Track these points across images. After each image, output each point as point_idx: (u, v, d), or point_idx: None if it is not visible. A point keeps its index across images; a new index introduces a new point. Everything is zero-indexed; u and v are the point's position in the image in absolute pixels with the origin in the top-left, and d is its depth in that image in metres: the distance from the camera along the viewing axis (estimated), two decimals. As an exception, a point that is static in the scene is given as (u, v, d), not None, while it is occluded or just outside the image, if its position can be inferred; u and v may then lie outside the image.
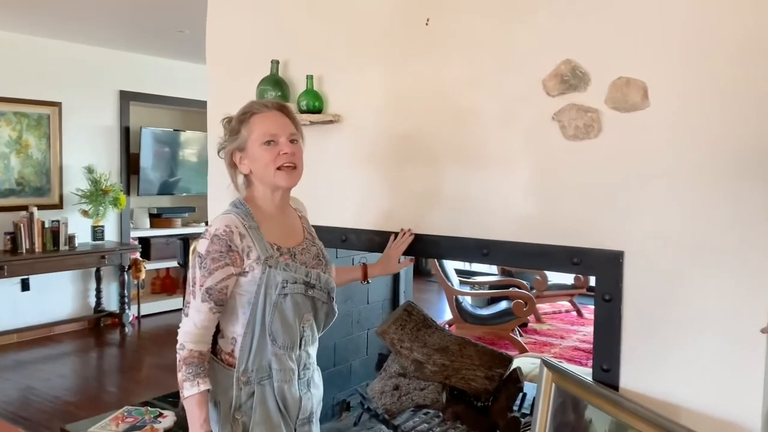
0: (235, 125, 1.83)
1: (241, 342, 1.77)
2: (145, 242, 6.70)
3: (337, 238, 2.42)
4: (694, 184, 1.76)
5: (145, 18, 4.95)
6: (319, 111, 2.44)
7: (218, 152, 1.90)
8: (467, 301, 5.63)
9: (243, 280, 1.76)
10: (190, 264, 1.78)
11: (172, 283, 7.19)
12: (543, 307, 6.87)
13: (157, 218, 6.92)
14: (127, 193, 6.35)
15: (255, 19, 2.69)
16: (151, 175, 6.66)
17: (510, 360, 2.65)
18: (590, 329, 6.37)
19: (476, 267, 7.96)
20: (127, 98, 6.33)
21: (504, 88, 2.05)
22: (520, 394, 2.72)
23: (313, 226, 2.41)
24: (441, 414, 2.76)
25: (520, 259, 2.07)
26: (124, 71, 6.32)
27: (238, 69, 2.72)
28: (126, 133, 6.37)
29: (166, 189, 6.87)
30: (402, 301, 3.38)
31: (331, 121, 2.40)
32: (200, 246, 1.75)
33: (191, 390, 1.70)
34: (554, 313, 7.00)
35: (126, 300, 6.15)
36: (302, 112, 2.44)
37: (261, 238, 1.77)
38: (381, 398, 2.70)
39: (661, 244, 1.81)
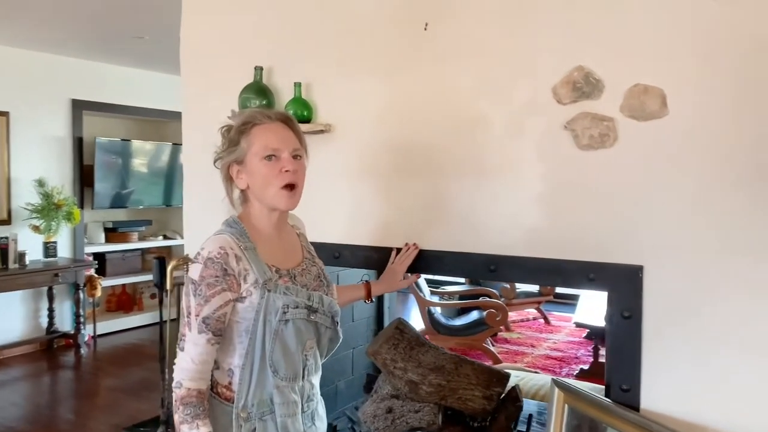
0: (234, 136, 1.67)
1: (240, 375, 1.62)
2: (99, 258, 6.39)
3: (330, 254, 2.29)
4: (716, 194, 1.70)
5: (101, 24, 4.70)
6: (308, 120, 2.30)
7: (214, 162, 1.74)
8: (438, 312, 5.55)
9: (240, 306, 1.60)
10: (184, 292, 1.61)
11: (129, 300, 6.88)
12: (510, 315, 6.84)
13: (112, 232, 6.61)
14: (81, 206, 6.03)
15: (234, 25, 2.53)
16: (105, 188, 6.36)
17: (508, 378, 2.56)
18: (559, 337, 6.39)
19: (439, 276, 7.89)
20: (79, 107, 6.02)
21: (511, 95, 1.96)
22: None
23: (304, 242, 2.27)
24: (436, 436, 2.64)
25: (531, 275, 1.97)
26: (77, 79, 6.02)
27: (217, 77, 2.56)
28: (79, 144, 6.07)
29: (118, 202, 6.56)
30: (386, 317, 3.25)
31: (322, 131, 2.27)
32: (193, 271, 1.59)
33: None
34: (522, 321, 6.99)
35: (81, 319, 5.83)
36: (290, 121, 2.30)
37: (258, 259, 1.62)
38: (374, 422, 2.57)
39: (682, 257, 1.74)
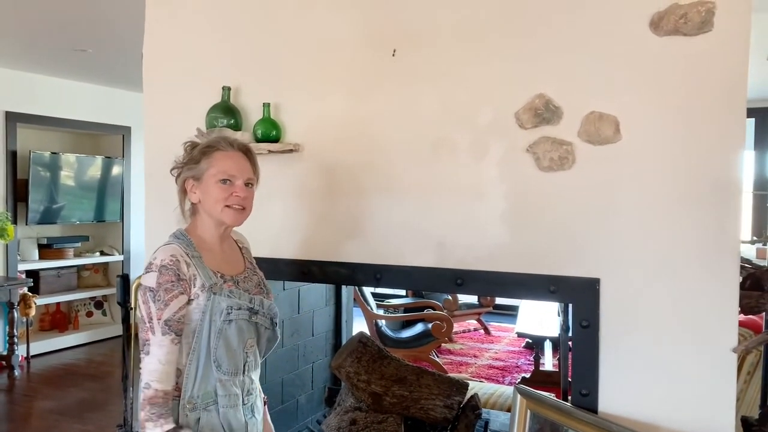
0: (197, 155, 1.86)
1: (186, 370, 1.78)
2: (33, 275, 6.15)
3: (298, 270, 2.34)
4: (665, 213, 1.87)
5: (40, 35, 4.58)
6: (276, 140, 2.36)
7: (171, 170, 1.91)
8: (384, 325, 5.64)
9: (188, 309, 1.77)
10: (141, 300, 1.75)
11: (64, 319, 6.65)
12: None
13: (46, 249, 6.37)
14: (14, 222, 5.81)
15: (201, 45, 2.56)
16: (41, 203, 6.13)
17: (467, 387, 2.67)
18: (500, 347, 6.59)
19: (382, 289, 7.99)
20: (14, 120, 5.81)
21: (476, 120, 2.08)
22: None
23: (272, 258, 2.33)
24: (398, 446, 2.72)
25: (496, 288, 2.10)
26: (11, 91, 5.80)
27: (183, 95, 2.57)
28: (13, 158, 5.85)
29: (48, 217, 6.29)
30: (344, 331, 3.32)
31: (291, 150, 2.32)
32: (148, 280, 1.75)
33: (153, 430, 1.68)
34: (463, 332, 7.16)
35: (15, 340, 5.59)
36: (258, 140, 2.35)
37: (204, 266, 1.80)
38: (338, 434, 2.62)
39: (635, 270, 1.90)
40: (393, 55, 2.19)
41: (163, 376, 1.70)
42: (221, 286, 1.80)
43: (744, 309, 1.97)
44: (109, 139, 7.01)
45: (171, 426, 1.69)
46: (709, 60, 1.81)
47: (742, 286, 1.94)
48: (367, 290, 5.57)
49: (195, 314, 1.76)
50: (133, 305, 2.40)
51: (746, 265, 2.25)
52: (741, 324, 1.91)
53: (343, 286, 3.29)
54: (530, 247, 2.02)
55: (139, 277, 2.57)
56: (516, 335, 6.02)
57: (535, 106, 1.98)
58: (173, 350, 1.72)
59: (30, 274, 6.11)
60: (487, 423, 2.87)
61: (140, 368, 1.73)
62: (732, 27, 1.79)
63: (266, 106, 2.35)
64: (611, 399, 1.93)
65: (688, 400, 1.85)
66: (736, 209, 1.81)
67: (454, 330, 6.97)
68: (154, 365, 1.70)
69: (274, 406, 2.86)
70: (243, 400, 1.86)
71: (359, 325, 6.10)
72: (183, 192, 1.89)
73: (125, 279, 2.50)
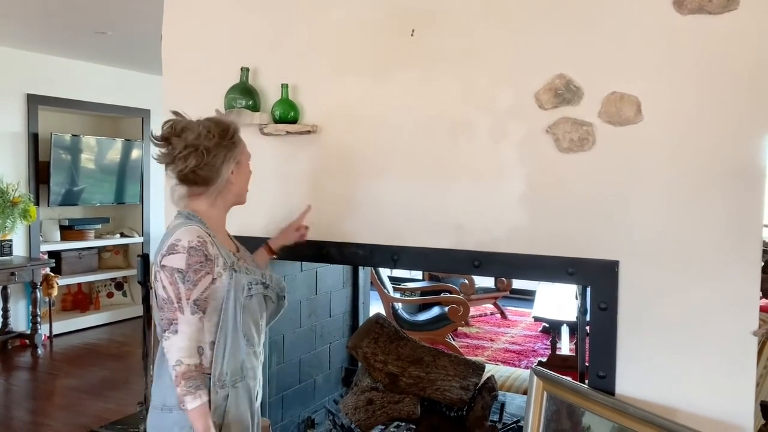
0: (237, 138, 1.87)
1: (215, 348, 1.81)
2: (55, 256, 6.24)
3: (316, 251, 2.35)
4: (686, 195, 1.85)
5: (60, 17, 4.60)
6: (294, 121, 2.36)
7: (199, 160, 1.80)
8: (401, 308, 5.65)
9: (211, 288, 1.79)
10: (167, 281, 1.76)
11: (85, 299, 6.74)
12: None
13: (68, 230, 6.46)
14: (37, 203, 5.88)
15: (219, 26, 2.56)
16: (62, 185, 6.20)
17: (483, 368, 2.67)
18: (516, 331, 6.58)
19: (399, 273, 7.99)
20: (35, 102, 5.86)
21: (495, 101, 2.07)
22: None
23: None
24: (414, 427, 2.74)
25: (514, 270, 2.09)
26: (33, 73, 5.85)
27: (201, 77, 2.58)
28: (34, 140, 5.91)
29: (69, 199, 6.37)
30: (361, 312, 3.33)
31: (309, 132, 2.33)
32: (176, 261, 1.76)
33: (194, 402, 1.72)
34: (480, 316, 7.16)
35: (38, 319, 5.69)
36: (276, 121, 2.36)
37: (222, 245, 1.85)
38: (355, 414, 2.65)
39: (655, 253, 1.88)
40: (411, 35, 2.18)
41: (192, 353, 1.75)
42: (238, 264, 1.85)
43: (765, 293, 1.95)
44: (128, 122, 7.05)
45: (207, 397, 1.75)
46: (735, 39, 1.78)
47: (764, 270, 1.91)
48: (384, 274, 5.59)
49: (218, 293, 1.79)
50: (151, 285, 2.42)
51: (768, 249, 2.23)
52: (762, 309, 1.88)
53: (360, 269, 3.30)
54: (549, 229, 2.01)
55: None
56: (533, 319, 6.01)
57: (555, 87, 1.96)
58: (200, 328, 1.77)
59: (52, 254, 6.20)
60: (503, 405, 2.88)
61: (163, 347, 1.77)
62: (759, 5, 1.75)
63: (284, 87, 2.35)
64: (629, 381, 1.92)
65: (707, 383, 1.84)
66: (759, 193, 1.78)
67: (470, 314, 6.97)
68: (184, 342, 1.74)
69: (292, 386, 2.89)
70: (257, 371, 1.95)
71: (376, 308, 6.10)
72: (223, 179, 1.84)
73: (146, 258, 2.53)
